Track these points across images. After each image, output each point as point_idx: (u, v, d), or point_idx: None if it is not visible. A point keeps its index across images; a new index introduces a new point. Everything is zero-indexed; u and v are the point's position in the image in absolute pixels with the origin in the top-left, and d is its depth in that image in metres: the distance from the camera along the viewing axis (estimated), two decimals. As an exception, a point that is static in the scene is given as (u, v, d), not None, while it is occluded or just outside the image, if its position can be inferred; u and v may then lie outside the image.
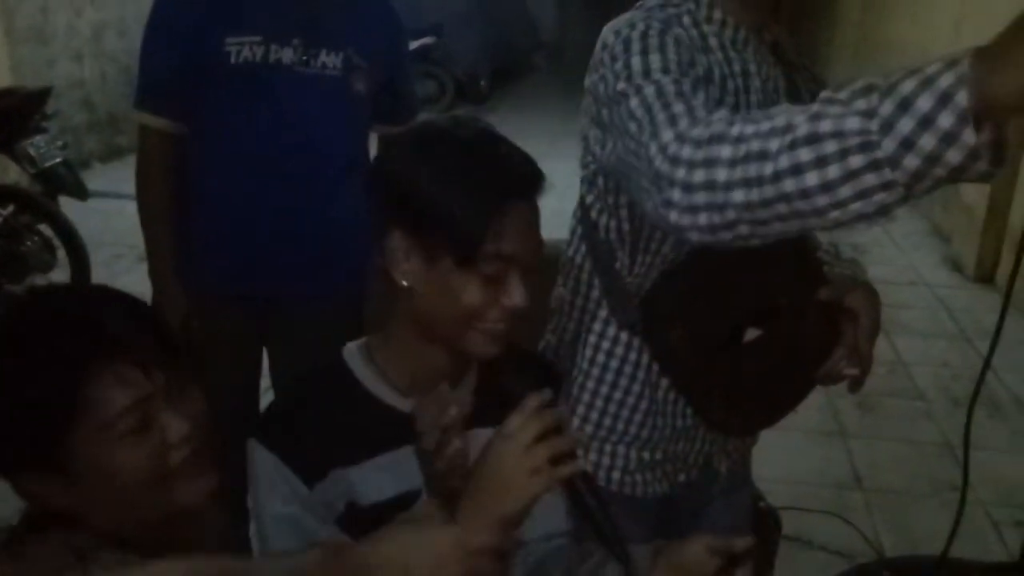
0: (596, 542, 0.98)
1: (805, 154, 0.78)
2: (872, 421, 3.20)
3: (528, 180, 0.99)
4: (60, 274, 3.57)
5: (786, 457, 2.73)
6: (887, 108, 0.72)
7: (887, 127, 0.72)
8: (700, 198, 0.89)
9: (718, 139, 0.88)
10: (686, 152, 0.91)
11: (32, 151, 3.57)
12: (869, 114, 0.73)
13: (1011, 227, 4.41)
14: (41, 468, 0.81)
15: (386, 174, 1.03)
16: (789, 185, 0.80)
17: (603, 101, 1.09)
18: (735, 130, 0.87)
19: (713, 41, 1.15)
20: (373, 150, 1.89)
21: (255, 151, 1.74)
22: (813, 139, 0.77)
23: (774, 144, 0.81)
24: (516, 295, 0.96)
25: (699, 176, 0.89)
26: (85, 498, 0.83)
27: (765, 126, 0.83)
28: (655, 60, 1.03)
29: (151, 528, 0.87)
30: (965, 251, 4.78)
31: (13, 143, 3.56)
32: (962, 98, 0.68)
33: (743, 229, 0.88)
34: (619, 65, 1.06)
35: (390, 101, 1.90)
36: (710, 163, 0.88)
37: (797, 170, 0.79)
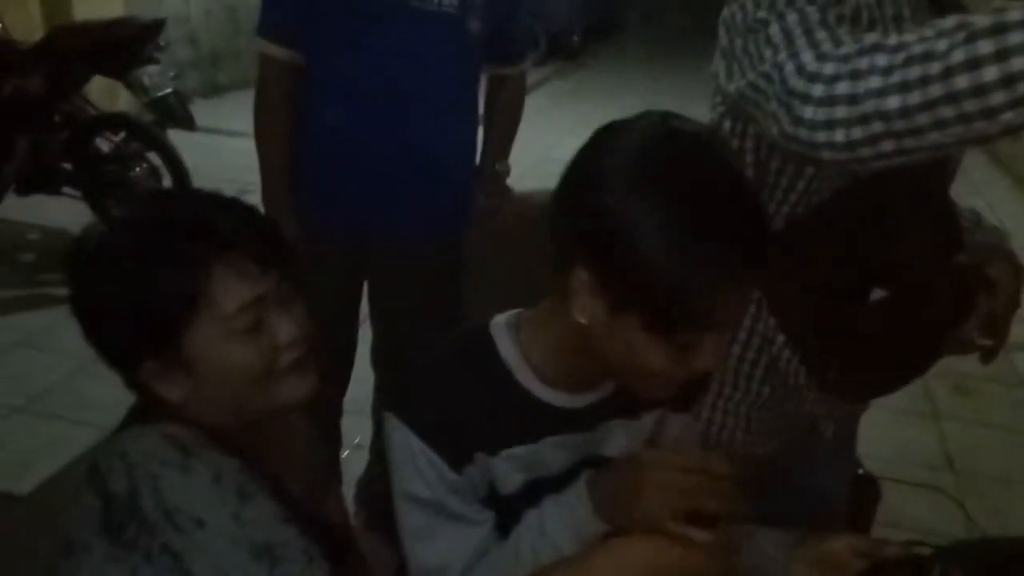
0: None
1: (985, 46, 0.74)
2: (968, 405, 3.09)
3: (761, 246, 0.84)
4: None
5: (876, 432, 2.64)
6: None
7: None
8: (840, 112, 0.85)
9: (871, 50, 0.84)
10: (828, 68, 0.87)
11: (145, 80, 3.67)
12: None
13: None
14: (160, 359, 0.86)
15: (586, 198, 0.85)
16: (962, 81, 0.75)
17: (738, 31, 1.03)
18: (892, 40, 0.82)
19: None
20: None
21: (369, 84, 1.75)
22: (998, 30, 0.73)
23: (943, 44, 0.77)
24: (710, 360, 0.87)
25: (842, 89, 0.85)
26: (196, 391, 0.88)
27: (929, 32, 0.79)
28: None
29: (249, 426, 0.92)
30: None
31: (127, 72, 3.68)
32: None
33: (887, 145, 0.84)
34: None
35: (502, 41, 1.88)
36: (857, 75, 0.84)
37: (974, 64, 0.74)
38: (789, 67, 0.90)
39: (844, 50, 0.87)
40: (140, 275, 0.85)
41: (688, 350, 0.85)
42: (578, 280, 0.86)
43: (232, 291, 0.86)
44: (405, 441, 0.94)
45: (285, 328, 0.89)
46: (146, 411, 0.91)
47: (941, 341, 1.21)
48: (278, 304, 0.89)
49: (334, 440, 2.08)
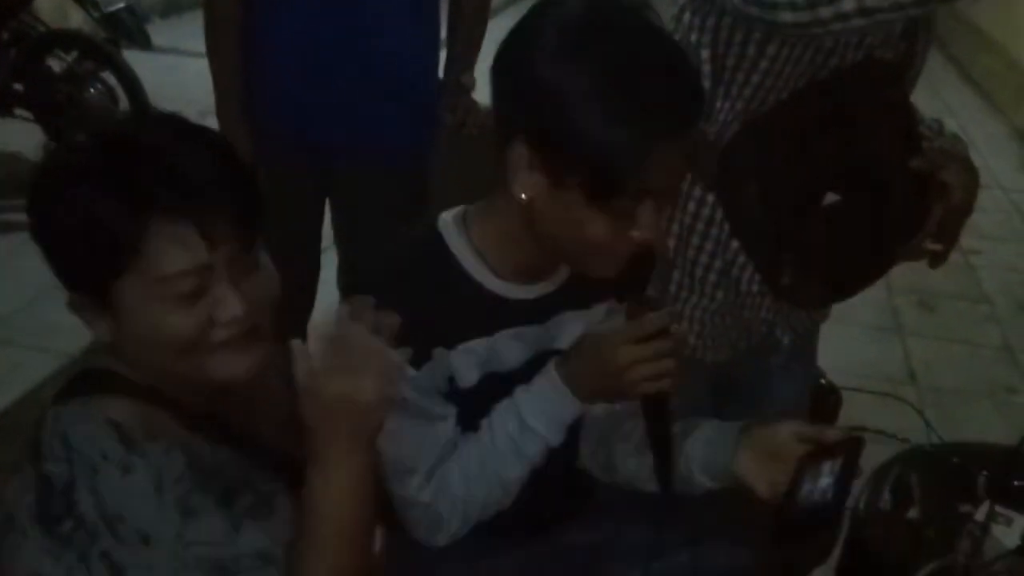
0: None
1: None
2: (932, 320, 3.14)
3: (692, 106, 0.87)
4: (123, 124, 3.58)
5: (841, 348, 2.67)
6: None
7: None
8: None
9: None
10: None
11: (95, -7, 3.53)
12: None
13: (1101, 132, 4.18)
14: (92, 297, 0.81)
15: (520, 68, 0.86)
16: None
17: None
18: None
19: None
20: None
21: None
22: None
23: None
24: (650, 229, 0.89)
25: None
26: (121, 341, 0.82)
27: None
28: None
29: (196, 390, 0.86)
30: (1047, 156, 4.55)
31: (76, -15, 3.52)
32: None
33: (849, 3, 0.83)
34: None
35: None
36: None
37: None
38: None
39: None
40: (83, 208, 0.77)
41: (628, 219, 0.87)
42: (517, 154, 0.87)
43: (172, 255, 0.77)
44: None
45: (228, 304, 0.80)
46: (91, 376, 0.84)
47: (895, 247, 1.20)
48: (228, 277, 0.80)
49: None
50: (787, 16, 0.88)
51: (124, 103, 3.59)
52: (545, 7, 0.89)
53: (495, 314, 0.98)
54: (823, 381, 1.55)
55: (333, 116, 1.76)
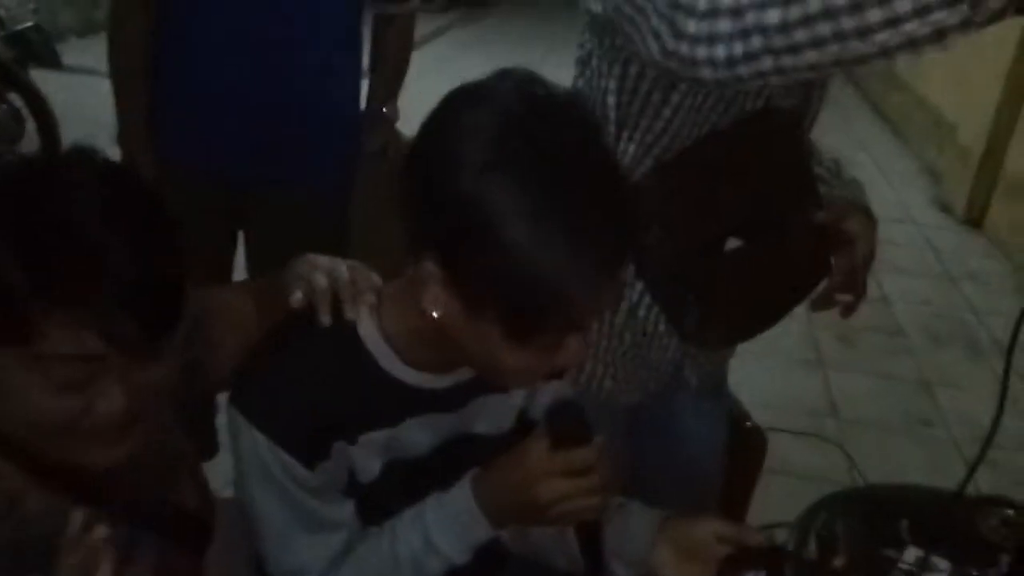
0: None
1: None
2: (851, 354, 3.19)
3: (627, 241, 0.78)
4: (28, 146, 3.42)
5: (763, 382, 2.71)
6: None
7: None
8: (723, 26, 0.82)
9: None
10: None
11: (1, 13, 3.37)
12: None
13: (1005, 172, 4.36)
14: None
15: (439, 176, 0.74)
16: None
17: None
18: None
19: None
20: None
21: (235, 17, 1.60)
22: None
23: None
24: (572, 360, 0.82)
25: (726, 1, 0.82)
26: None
27: None
28: None
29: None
30: (956, 193, 4.73)
31: (-20, 3, 3.36)
32: None
33: (766, 62, 0.82)
34: None
35: None
36: None
37: None
38: None
39: None
40: None
41: (550, 351, 0.80)
42: (427, 271, 0.78)
43: (65, 340, 0.67)
44: (253, 444, 0.85)
45: (110, 400, 0.71)
46: None
47: (797, 294, 1.21)
48: (117, 372, 0.70)
49: (206, 413, 1.94)
50: (707, 73, 0.87)
51: (31, 124, 3.43)
52: (465, 103, 0.77)
53: (402, 402, 0.90)
54: (748, 424, 1.54)
55: (248, 147, 1.68)
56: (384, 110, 1.89)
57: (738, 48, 0.82)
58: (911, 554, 1.12)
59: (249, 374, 0.88)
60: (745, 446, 1.50)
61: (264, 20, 1.61)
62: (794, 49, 0.79)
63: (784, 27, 0.79)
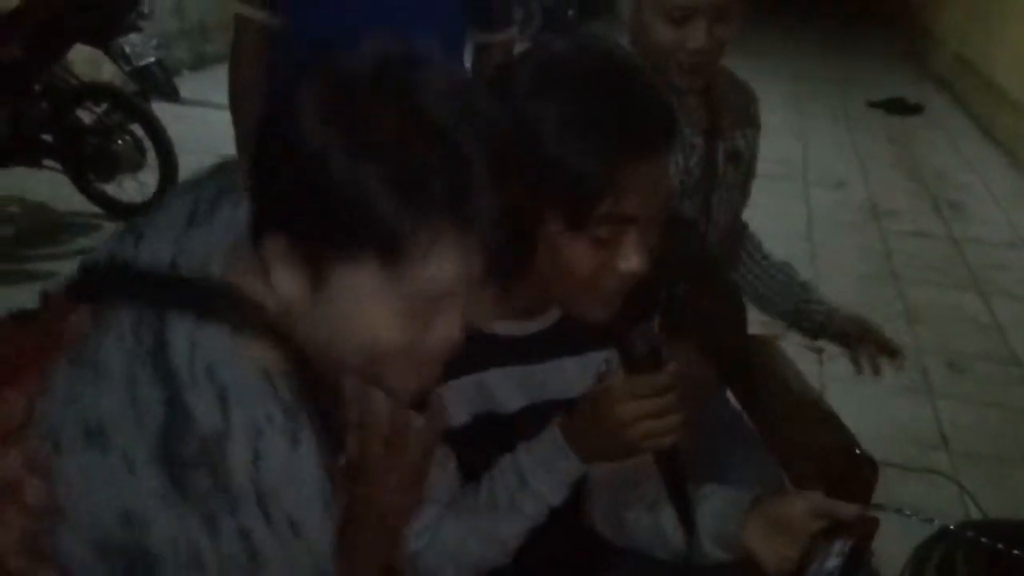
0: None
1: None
2: (962, 382, 3.07)
3: (662, 130, 0.88)
4: (149, 175, 3.62)
5: (868, 413, 2.63)
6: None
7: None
8: None
9: None
10: None
11: (127, 48, 3.59)
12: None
13: None
14: (306, 254, 0.67)
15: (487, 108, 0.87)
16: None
17: None
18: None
19: None
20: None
21: (336, 46, 1.69)
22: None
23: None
24: (633, 260, 0.87)
25: None
26: (310, 314, 0.69)
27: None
28: None
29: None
30: (1073, 214, 4.51)
31: (109, 40, 3.59)
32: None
33: None
34: None
35: (485, 7, 1.84)
36: None
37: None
38: None
39: None
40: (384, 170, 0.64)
41: (610, 248, 0.87)
42: None
43: (448, 268, 0.66)
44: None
45: (454, 329, 0.71)
46: (234, 301, 0.68)
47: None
48: (462, 301, 0.70)
49: None
50: None
51: (152, 154, 3.64)
52: (528, 55, 0.95)
53: (485, 350, 0.94)
54: (858, 451, 1.50)
55: None
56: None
57: None
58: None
59: None
60: (855, 475, 1.47)
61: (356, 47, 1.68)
62: None
63: None
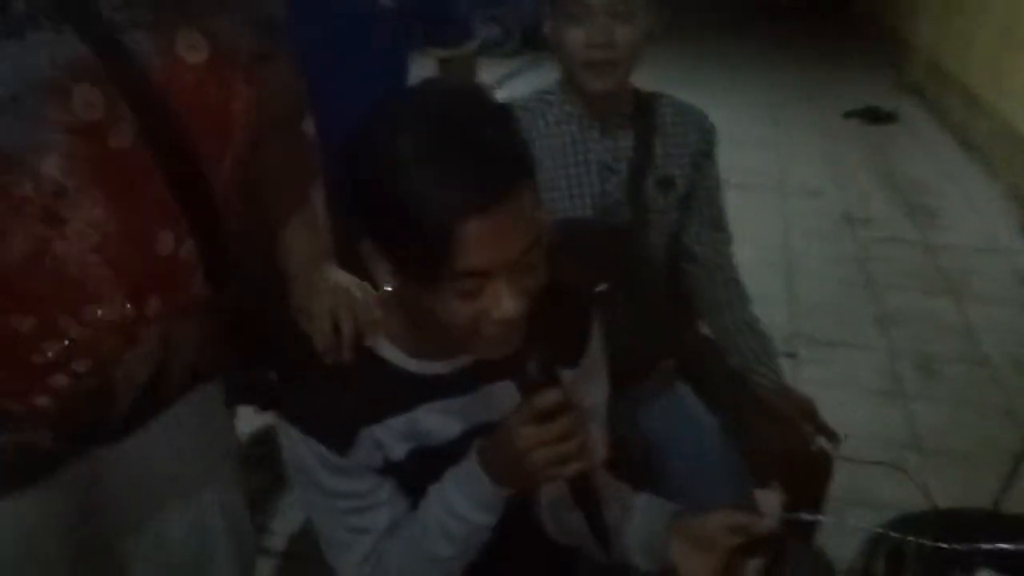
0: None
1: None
2: (934, 384, 3.12)
3: (498, 183, 0.82)
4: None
5: (841, 413, 2.66)
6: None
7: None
8: None
9: None
10: None
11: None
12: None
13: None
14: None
15: (352, 162, 0.86)
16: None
17: None
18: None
19: None
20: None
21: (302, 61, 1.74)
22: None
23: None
24: (505, 306, 0.85)
25: None
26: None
27: None
28: None
29: None
30: (1045, 218, 4.58)
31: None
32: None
33: None
34: None
35: (436, 24, 1.89)
36: None
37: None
38: None
39: None
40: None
41: (477, 298, 0.85)
42: (366, 248, 0.90)
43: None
44: (289, 439, 1.00)
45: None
46: None
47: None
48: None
49: None
50: None
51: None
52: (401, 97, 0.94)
53: (411, 391, 1.01)
54: (813, 447, 1.55)
55: None
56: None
57: None
58: (984, 576, 1.12)
59: (288, 384, 1.04)
60: (808, 469, 1.51)
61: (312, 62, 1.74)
62: None
63: None
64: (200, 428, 1.19)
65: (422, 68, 1.88)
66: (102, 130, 0.89)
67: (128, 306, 0.96)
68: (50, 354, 0.93)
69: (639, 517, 1.07)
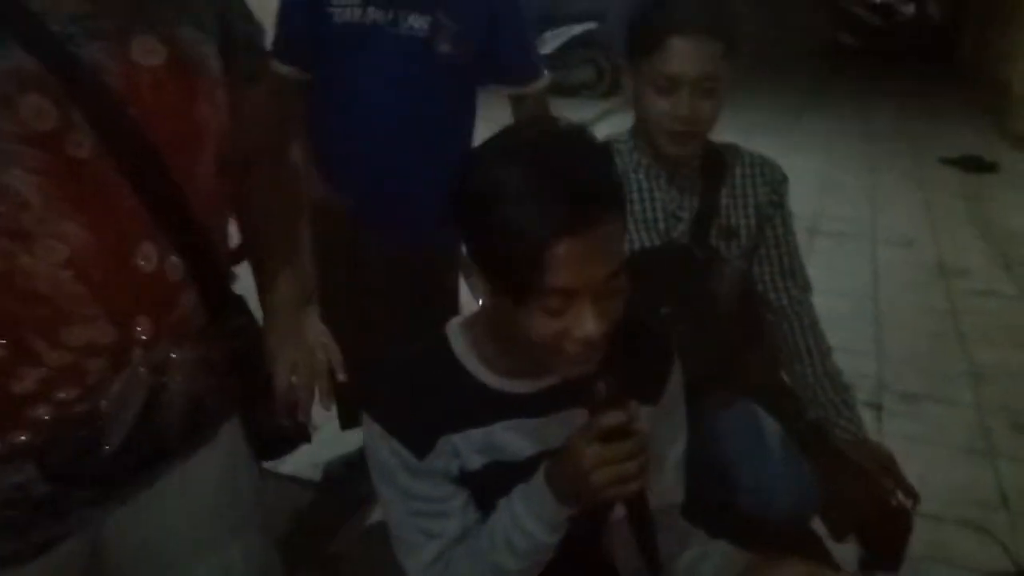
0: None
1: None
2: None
3: (587, 212, 0.89)
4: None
5: (929, 471, 2.65)
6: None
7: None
8: None
9: None
10: None
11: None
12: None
13: None
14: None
15: (458, 186, 0.94)
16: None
17: None
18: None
19: None
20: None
21: (353, 105, 1.90)
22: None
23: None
24: (588, 326, 0.91)
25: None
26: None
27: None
28: None
29: None
30: None
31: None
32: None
33: None
34: None
35: (501, 61, 1.97)
36: None
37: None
38: None
39: None
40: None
41: (564, 317, 0.91)
42: (466, 261, 0.97)
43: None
44: (371, 435, 1.06)
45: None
46: None
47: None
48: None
49: None
50: None
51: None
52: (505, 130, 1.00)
53: (492, 406, 1.06)
54: (894, 502, 1.56)
55: (366, 220, 1.98)
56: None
57: None
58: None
59: (373, 383, 1.10)
60: (888, 526, 1.53)
61: (368, 106, 1.90)
62: None
63: None
64: (222, 483, 1.15)
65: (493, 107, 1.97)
66: (58, 140, 0.87)
67: (111, 328, 0.92)
68: (27, 382, 0.89)
69: (717, 560, 1.12)
